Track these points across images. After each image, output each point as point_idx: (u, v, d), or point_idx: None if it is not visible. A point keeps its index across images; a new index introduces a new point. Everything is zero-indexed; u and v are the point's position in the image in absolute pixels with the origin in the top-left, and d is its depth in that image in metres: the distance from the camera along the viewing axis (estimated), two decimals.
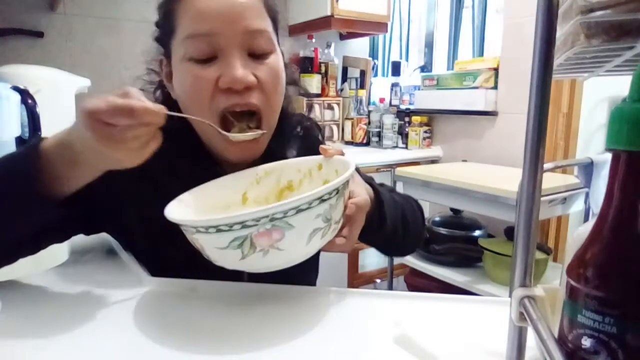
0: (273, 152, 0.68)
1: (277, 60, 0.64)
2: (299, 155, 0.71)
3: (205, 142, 0.66)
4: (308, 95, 0.88)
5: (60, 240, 0.62)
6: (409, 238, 0.75)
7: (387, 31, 2.48)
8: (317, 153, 0.63)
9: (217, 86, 0.60)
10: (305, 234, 0.47)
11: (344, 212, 0.52)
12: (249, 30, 0.60)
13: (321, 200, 0.46)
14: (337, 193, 0.48)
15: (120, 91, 0.48)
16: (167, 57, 0.66)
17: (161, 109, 0.48)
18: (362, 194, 0.57)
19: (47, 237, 0.59)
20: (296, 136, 0.76)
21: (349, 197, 0.54)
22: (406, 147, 2.40)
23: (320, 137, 0.82)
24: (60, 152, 0.51)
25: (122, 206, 0.64)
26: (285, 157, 0.69)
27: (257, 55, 0.62)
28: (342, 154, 0.61)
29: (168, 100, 0.68)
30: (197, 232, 0.47)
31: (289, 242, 0.46)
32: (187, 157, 0.66)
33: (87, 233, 0.67)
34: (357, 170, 0.83)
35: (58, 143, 0.52)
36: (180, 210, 0.54)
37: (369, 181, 0.70)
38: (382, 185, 0.84)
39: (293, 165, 0.65)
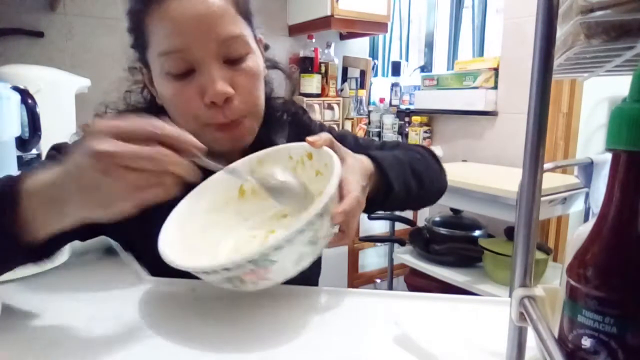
0: (261, 139, 0.69)
1: (254, 60, 0.64)
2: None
3: (197, 139, 0.66)
4: (291, 77, 0.86)
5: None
6: (426, 188, 0.73)
7: (387, 31, 2.48)
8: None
9: (200, 101, 0.60)
10: (292, 260, 0.47)
11: (332, 223, 0.50)
12: (221, 39, 0.60)
13: (301, 232, 0.44)
14: (320, 216, 0.46)
15: (142, 122, 0.42)
16: (145, 66, 0.66)
17: (198, 148, 0.45)
18: (353, 186, 0.53)
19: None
20: (284, 122, 0.76)
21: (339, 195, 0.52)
22: None
23: (308, 121, 0.81)
24: (43, 200, 0.44)
25: None
26: (272, 144, 0.69)
27: (233, 60, 0.62)
28: (331, 143, 0.57)
29: (155, 100, 0.69)
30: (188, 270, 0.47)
31: (276, 272, 0.46)
32: None
33: (83, 239, 0.67)
34: (355, 137, 0.81)
35: (41, 189, 0.45)
36: (174, 230, 0.54)
37: (365, 150, 0.66)
38: (384, 144, 0.82)
39: (284, 152, 0.64)
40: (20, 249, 0.46)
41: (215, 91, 0.59)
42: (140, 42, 0.65)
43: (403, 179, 0.67)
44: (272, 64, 0.76)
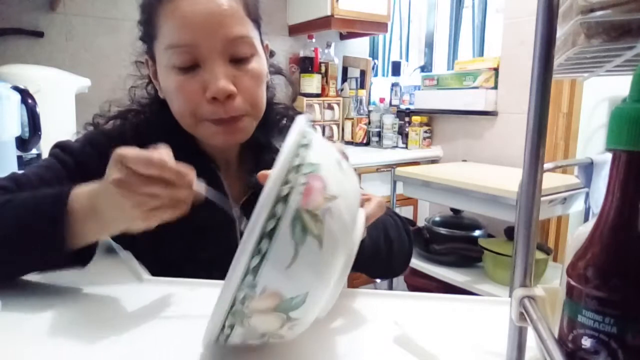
0: (258, 141, 0.70)
1: (259, 62, 0.65)
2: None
3: (193, 133, 0.67)
4: (293, 83, 0.88)
5: None
6: (394, 256, 0.70)
7: (387, 31, 2.48)
8: None
9: (202, 96, 0.61)
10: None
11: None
12: (229, 38, 0.61)
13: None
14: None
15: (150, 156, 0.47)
16: (152, 58, 0.68)
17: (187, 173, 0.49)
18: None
19: None
20: (284, 127, 0.77)
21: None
22: (406, 147, 2.40)
23: None
24: (87, 215, 0.51)
25: None
26: (270, 146, 0.71)
27: (238, 60, 0.63)
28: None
29: (158, 95, 0.70)
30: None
31: (336, 189, 0.37)
32: (182, 155, 0.66)
33: None
34: None
35: (86, 206, 0.51)
36: None
37: None
38: None
39: None
40: (67, 255, 0.52)
41: (217, 87, 0.60)
42: (149, 34, 0.66)
43: (375, 236, 0.64)
44: (276, 70, 0.77)
